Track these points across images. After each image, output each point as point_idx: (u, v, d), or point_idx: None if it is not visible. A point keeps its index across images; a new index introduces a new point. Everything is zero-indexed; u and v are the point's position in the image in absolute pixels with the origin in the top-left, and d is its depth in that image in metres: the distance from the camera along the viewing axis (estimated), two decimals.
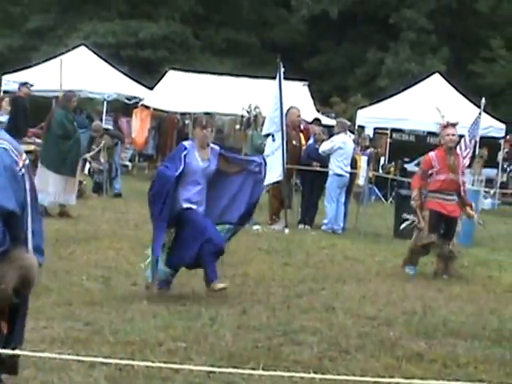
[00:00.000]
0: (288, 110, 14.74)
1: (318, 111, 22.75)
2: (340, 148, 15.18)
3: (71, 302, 7.74)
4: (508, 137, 23.06)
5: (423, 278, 10.67)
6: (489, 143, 21.45)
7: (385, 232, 15.07)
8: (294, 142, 15.08)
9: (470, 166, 13.00)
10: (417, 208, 10.87)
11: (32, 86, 18.75)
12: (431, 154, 11.08)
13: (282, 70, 14.41)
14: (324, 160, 15.24)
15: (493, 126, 21.67)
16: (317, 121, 18.97)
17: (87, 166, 18.07)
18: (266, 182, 13.80)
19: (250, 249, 11.51)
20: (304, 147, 15.72)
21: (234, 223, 8.75)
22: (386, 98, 24.28)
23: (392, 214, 15.46)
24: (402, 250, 12.12)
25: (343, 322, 7.85)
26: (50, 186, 13.49)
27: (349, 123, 17.26)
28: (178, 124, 25.94)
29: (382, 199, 21.88)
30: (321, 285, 9.62)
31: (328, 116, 23.83)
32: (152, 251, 8.29)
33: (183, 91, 23.25)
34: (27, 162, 4.33)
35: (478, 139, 14.97)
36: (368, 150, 20.43)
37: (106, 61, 25.23)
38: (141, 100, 23.79)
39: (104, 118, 23.15)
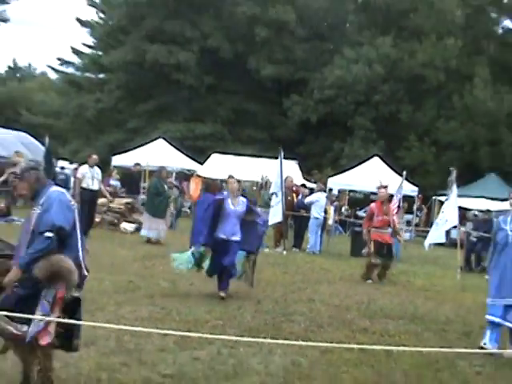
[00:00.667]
0: (286, 178, 14.74)
1: (304, 179, 22.66)
2: (317, 201, 15.21)
3: (153, 295, 7.70)
4: (419, 195, 23.06)
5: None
6: (408, 199, 21.29)
7: (345, 253, 14.96)
8: (289, 198, 15.07)
9: (397, 212, 12.93)
10: (367, 239, 10.87)
11: (139, 164, 19.44)
12: (372, 204, 11.15)
13: (282, 153, 14.47)
14: (308, 208, 15.24)
15: (410, 189, 21.65)
16: (303, 185, 18.95)
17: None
18: (271, 222, 13.91)
19: (262, 263, 11.41)
20: (295, 201, 15.75)
21: (253, 252, 8.31)
22: (345, 171, 24.21)
23: (349, 242, 15.42)
24: (355, 264, 12.15)
25: (320, 308, 7.85)
26: (152, 224, 13.36)
27: (323, 186, 17.28)
28: (219, 187, 25.84)
29: (343, 233, 21.76)
30: (306, 285, 9.59)
31: (310, 182, 23.74)
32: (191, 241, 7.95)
33: (222, 166, 23.30)
34: (76, 205, 4.23)
35: (401, 196, 14.92)
36: (335, 203, 20.29)
37: (175, 147, 25.35)
38: (195, 171, 23.86)
39: (174, 181, 23.07)
